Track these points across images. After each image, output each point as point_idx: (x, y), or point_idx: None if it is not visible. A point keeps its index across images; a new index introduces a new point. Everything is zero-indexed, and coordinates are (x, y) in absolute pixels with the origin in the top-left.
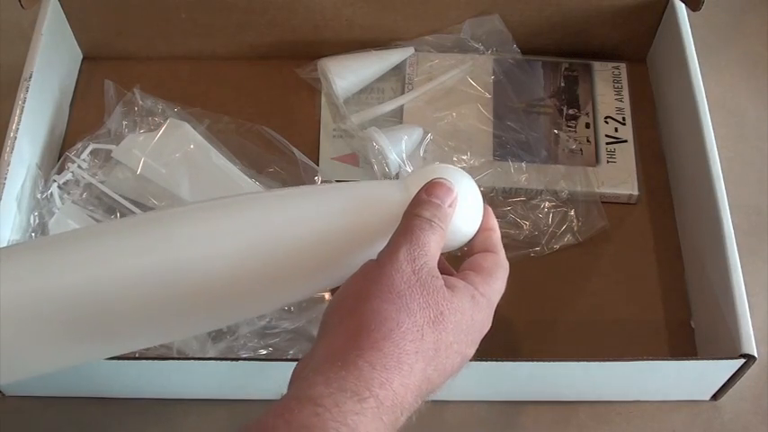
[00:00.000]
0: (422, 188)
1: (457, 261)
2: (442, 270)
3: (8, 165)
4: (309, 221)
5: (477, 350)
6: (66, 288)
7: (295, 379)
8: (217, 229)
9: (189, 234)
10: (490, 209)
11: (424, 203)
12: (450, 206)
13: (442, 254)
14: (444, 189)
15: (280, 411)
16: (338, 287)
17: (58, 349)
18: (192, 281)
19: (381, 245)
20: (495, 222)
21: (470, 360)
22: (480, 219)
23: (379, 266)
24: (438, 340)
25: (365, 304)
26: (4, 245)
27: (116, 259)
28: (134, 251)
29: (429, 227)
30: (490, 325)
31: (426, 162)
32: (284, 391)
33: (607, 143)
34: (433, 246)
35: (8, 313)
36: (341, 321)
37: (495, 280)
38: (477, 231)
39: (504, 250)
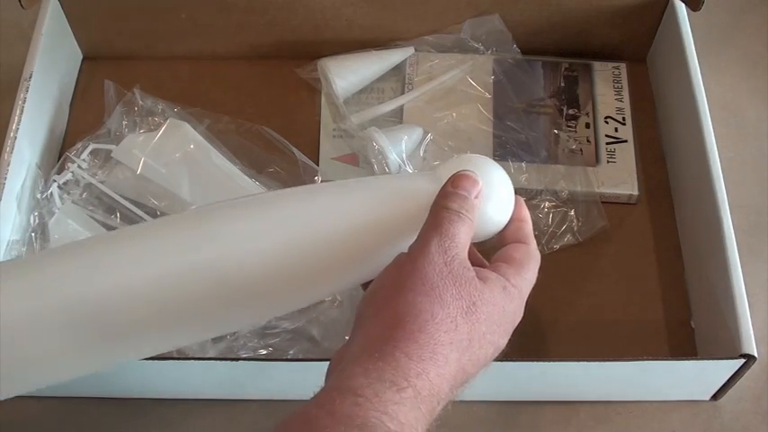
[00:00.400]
0: (447, 180)
1: (489, 252)
2: (474, 261)
3: (8, 165)
4: (345, 215)
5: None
6: (91, 295)
7: (333, 371)
8: (255, 226)
9: (229, 232)
10: (522, 200)
11: (450, 195)
12: (476, 197)
13: (474, 245)
14: (470, 180)
15: (321, 402)
16: (370, 281)
17: (90, 352)
18: (231, 279)
19: (414, 237)
20: (526, 213)
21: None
22: (511, 209)
23: (411, 259)
24: (471, 331)
25: (400, 297)
26: (4, 245)
27: (155, 262)
28: (175, 251)
29: (458, 218)
30: (521, 315)
31: (426, 162)
32: (283, 390)
33: (607, 143)
34: (463, 237)
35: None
36: (376, 314)
37: (526, 271)
38: (509, 222)
39: (535, 241)
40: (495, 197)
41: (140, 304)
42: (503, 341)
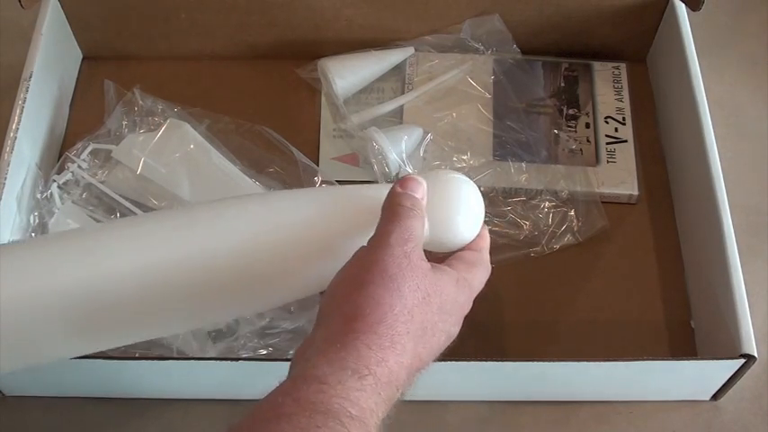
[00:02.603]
0: (395, 183)
1: None
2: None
3: (8, 165)
4: (298, 224)
5: (479, 350)
6: (74, 282)
7: (298, 361)
8: (215, 228)
9: (192, 233)
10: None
11: (401, 195)
12: (422, 197)
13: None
14: (415, 182)
15: (287, 390)
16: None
17: (64, 340)
18: (186, 278)
19: (364, 241)
20: (486, 232)
21: (473, 360)
22: (480, 224)
23: (370, 253)
24: (425, 320)
25: (360, 290)
26: None
27: (124, 255)
28: (152, 245)
29: (413, 214)
30: (470, 307)
31: (426, 162)
32: None
33: (607, 143)
34: (418, 231)
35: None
36: (338, 307)
37: (477, 271)
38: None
39: (488, 255)
40: (465, 211)
41: (120, 292)
42: (454, 330)
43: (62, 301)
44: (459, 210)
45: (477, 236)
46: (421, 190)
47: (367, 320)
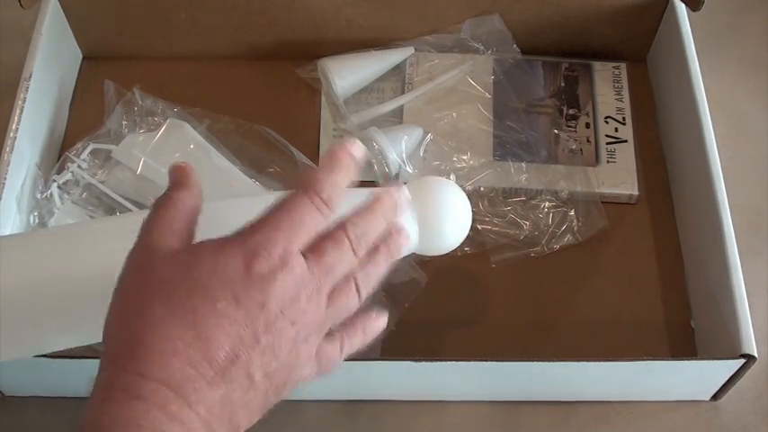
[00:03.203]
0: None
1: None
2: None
3: (8, 165)
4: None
5: (478, 350)
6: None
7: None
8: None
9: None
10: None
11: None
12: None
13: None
14: (185, 171)
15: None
16: None
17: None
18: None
19: None
20: None
21: (473, 360)
22: (466, 232)
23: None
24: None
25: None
26: None
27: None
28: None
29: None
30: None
31: (426, 162)
32: None
33: (607, 143)
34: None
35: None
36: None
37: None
38: None
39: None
40: (452, 218)
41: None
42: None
43: (60, 290)
44: (447, 216)
45: None
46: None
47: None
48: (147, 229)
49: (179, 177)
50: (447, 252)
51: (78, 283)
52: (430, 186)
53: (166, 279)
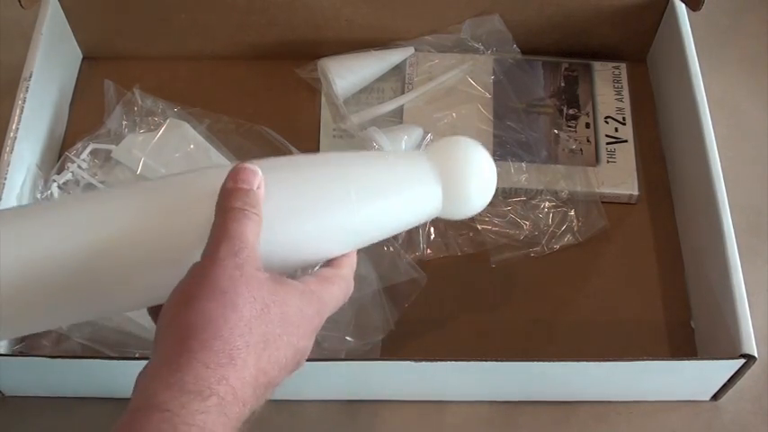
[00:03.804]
0: (228, 177)
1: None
2: None
3: (8, 165)
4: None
5: (480, 350)
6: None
7: (137, 390)
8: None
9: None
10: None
11: (233, 193)
12: (258, 188)
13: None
14: (248, 172)
15: (127, 427)
16: None
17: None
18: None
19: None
20: (354, 254)
21: (473, 360)
22: (492, 193)
23: (202, 267)
24: (266, 332)
25: (190, 306)
26: None
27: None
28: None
29: (243, 216)
30: (322, 320)
31: None
32: (282, 391)
33: (607, 143)
34: (251, 236)
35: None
36: (169, 326)
37: (330, 284)
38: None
39: (352, 272)
40: (477, 177)
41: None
42: (303, 343)
43: (59, 266)
44: (472, 177)
45: (343, 255)
46: (256, 180)
47: (200, 337)
48: (230, 242)
49: (254, 185)
50: (472, 215)
51: (85, 255)
52: (452, 146)
53: (256, 311)
